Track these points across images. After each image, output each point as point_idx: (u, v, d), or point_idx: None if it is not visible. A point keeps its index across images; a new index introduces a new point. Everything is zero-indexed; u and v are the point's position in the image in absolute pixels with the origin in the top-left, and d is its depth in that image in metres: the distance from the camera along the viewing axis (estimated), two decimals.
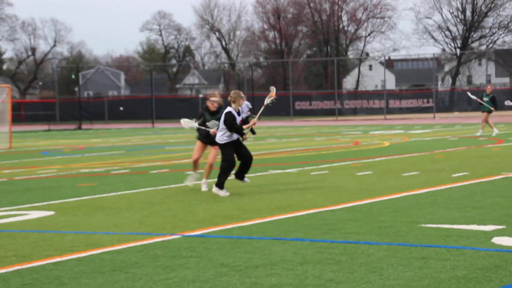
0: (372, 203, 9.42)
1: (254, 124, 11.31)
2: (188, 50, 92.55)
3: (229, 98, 10.91)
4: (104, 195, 11.11)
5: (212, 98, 11.67)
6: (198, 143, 11.97)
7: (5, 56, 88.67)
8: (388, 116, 51.05)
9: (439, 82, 75.81)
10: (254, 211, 9.05)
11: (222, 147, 10.91)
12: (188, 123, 11.68)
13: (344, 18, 79.64)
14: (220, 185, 10.81)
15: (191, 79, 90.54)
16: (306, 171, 13.78)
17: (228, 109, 10.86)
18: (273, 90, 11.67)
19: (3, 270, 6.22)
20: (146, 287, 5.57)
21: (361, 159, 15.72)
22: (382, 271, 5.76)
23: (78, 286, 5.65)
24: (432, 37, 76.27)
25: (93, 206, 9.94)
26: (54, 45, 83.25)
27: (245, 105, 27.82)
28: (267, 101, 11.69)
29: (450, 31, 75.52)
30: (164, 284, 5.62)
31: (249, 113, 28.09)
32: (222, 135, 10.96)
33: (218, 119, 11.32)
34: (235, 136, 10.99)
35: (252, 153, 13.72)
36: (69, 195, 11.15)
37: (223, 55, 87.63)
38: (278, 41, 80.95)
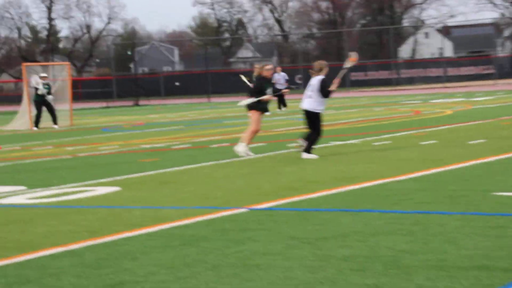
0: (440, 172, 9.25)
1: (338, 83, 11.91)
2: (240, 23, 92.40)
3: (315, 67, 11.71)
4: (167, 170, 11.20)
5: (267, 67, 12.46)
6: (256, 114, 12.20)
7: (61, 34, 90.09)
8: (447, 84, 50.13)
9: (499, 48, 73.95)
10: (319, 183, 8.99)
11: (317, 116, 11.69)
12: (248, 101, 12.21)
13: None
14: (309, 150, 11.53)
15: (245, 52, 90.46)
16: (368, 142, 13.64)
17: (321, 76, 11.67)
18: (354, 55, 12.01)
19: (77, 245, 6.32)
20: (217, 260, 5.58)
21: (423, 128, 15.48)
22: (458, 241, 5.64)
23: (150, 260, 5.70)
24: (491, 1, 74.41)
25: (157, 181, 10.02)
26: (109, 22, 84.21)
27: (282, 76, 27.71)
28: (346, 65, 12.14)
29: None
30: (235, 257, 5.62)
31: (287, 84, 28.00)
32: (318, 105, 11.68)
33: (272, 86, 12.37)
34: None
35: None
36: (133, 170, 11.27)
37: (276, 27, 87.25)
38: (331, 11, 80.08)
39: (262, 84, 12.50)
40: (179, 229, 6.75)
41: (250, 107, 12.56)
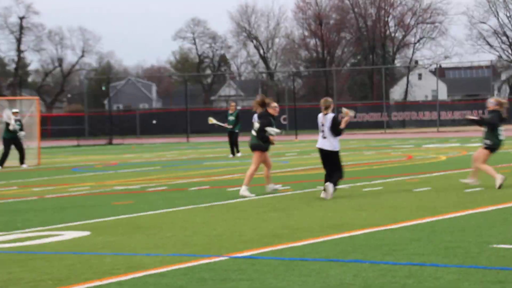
0: (435, 222, 9.23)
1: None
2: (223, 60, 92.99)
3: (323, 105, 12.38)
4: (142, 213, 11.10)
5: (274, 104, 13.33)
6: (261, 154, 13.01)
7: (30, 67, 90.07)
8: (440, 129, 50.51)
9: (495, 92, 74.85)
10: (305, 230, 8.93)
11: (338, 155, 12.39)
12: (274, 130, 13.10)
13: (391, 23, 79.37)
14: (336, 185, 12.20)
15: (227, 90, 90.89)
16: (358, 187, 13.63)
17: (332, 114, 12.36)
18: (346, 111, 12.61)
19: None
20: None
21: (417, 174, 15.51)
22: None
23: None
24: (488, 43, 75.54)
25: (131, 225, 9.92)
26: (82, 55, 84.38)
27: None
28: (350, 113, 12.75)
29: (507, 36, 74.71)
30: None
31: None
32: (337, 143, 12.38)
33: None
34: None
35: (298, 168, 13.71)
36: (105, 214, 11.16)
37: (261, 64, 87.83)
38: (319, 49, 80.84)
39: (270, 121, 13.15)
40: (154, 278, 6.65)
41: (255, 147, 13.09)
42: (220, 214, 10.76)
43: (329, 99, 12.58)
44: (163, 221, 10.22)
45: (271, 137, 13.15)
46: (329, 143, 12.29)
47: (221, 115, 26.40)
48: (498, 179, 12.58)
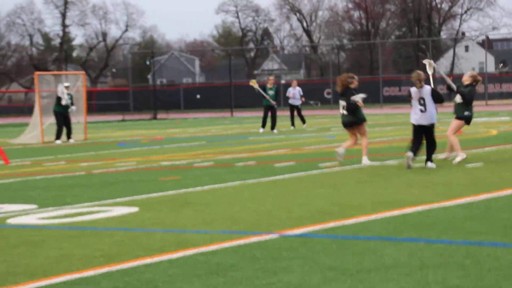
0: (490, 199, 9.01)
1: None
2: (266, 33, 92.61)
3: (417, 78, 12.46)
4: (190, 189, 11.06)
5: (355, 78, 13.68)
6: (362, 125, 13.60)
7: (75, 42, 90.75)
8: (489, 102, 49.66)
9: None
10: (356, 208, 8.79)
11: (433, 127, 12.58)
12: (356, 97, 13.45)
13: None
14: (431, 159, 12.63)
15: (270, 64, 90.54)
16: None
17: (429, 87, 12.61)
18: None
19: (92, 271, 6.17)
20: None
21: (468, 149, 15.19)
22: None
23: None
24: None
25: (179, 201, 9.88)
26: (126, 30, 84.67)
27: (297, 91, 27.34)
28: (430, 71, 13.42)
29: None
30: None
31: (303, 99, 27.65)
32: (435, 114, 12.61)
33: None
34: None
35: (344, 144, 13.59)
36: (153, 189, 11.15)
37: (304, 37, 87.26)
38: (363, 21, 79.95)
39: (352, 93, 13.40)
40: (204, 256, 6.59)
41: (352, 123, 13.47)
42: (267, 190, 10.67)
43: (421, 72, 12.65)
44: (211, 197, 10.17)
45: (359, 103, 13.37)
46: (429, 116, 12.44)
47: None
48: (459, 156, 12.92)
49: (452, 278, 5.49)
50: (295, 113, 27.28)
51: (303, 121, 27.27)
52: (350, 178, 11.65)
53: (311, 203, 9.25)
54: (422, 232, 7.20)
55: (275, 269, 6.00)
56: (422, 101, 12.44)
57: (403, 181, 11.08)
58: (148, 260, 6.50)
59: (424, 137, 12.55)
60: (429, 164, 12.49)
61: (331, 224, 7.81)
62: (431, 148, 12.57)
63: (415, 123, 12.56)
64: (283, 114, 30.62)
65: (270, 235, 7.38)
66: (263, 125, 25.23)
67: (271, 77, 26.94)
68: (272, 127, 24.93)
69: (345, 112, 13.44)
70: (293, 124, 27.11)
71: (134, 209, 9.33)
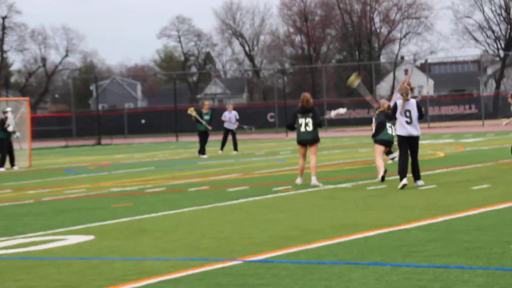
0: (449, 221, 9.08)
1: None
2: (209, 57, 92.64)
3: (405, 91, 12.84)
4: (144, 216, 10.89)
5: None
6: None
7: (13, 67, 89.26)
8: (431, 124, 50.50)
9: (481, 87, 75.10)
10: (317, 232, 8.75)
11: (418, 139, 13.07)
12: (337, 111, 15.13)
13: (377, 19, 79.31)
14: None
15: (213, 88, 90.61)
16: (361, 186, 13.46)
17: (414, 100, 12.99)
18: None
19: None
20: None
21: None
22: None
23: None
24: (473, 37, 75.65)
25: (135, 228, 9.70)
26: (66, 55, 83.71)
27: (233, 115, 27.24)
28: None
29: (492, 31, 74.85)
30: None
31: (237, 124, 27.58)
32: (419, 126, 12.90)
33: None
34: None
35: (296, 167, 13.60)
36: (106, 217, 10.94)
37: (247, 62, 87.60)
38: (305, 45, 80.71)
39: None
40: (169, 284, 6.46)
41: (314, 141, 13.87)
42: (224, 216, 10.56)
43: (407, 86, 13.13)
44: (167, 224, 10.01)
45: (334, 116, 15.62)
46: (415, 128, 12.79)
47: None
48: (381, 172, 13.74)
49: None
50: (229, 137, 27.05)
51: (235, 148, 26.89)
52: (306, 202, 11.63)
53: (271, 228, 9.18)
54: (386, 255, 7.18)
55: None
56: (408, 113, 12.76)
57: (360, 204, 11.10)
58: None
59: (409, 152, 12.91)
60: (419, 182, 12.90)
61: (294, 249, 7.75)
62: (416, 166, 12.91)
63: (405, 134, 12.82)
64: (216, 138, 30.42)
65: (234, 262, 7.28)
66: (202, 151, 25.15)
67: (206, 102, 26.93)
68: (203, 151, 25.00)
69: (309, 129, 13.69)
70: (222, 148, 26.95)
71: (90, 237, 9.12)
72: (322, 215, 10.10)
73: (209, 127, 25.07)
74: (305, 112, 13.72)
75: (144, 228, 9.67)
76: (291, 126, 13.93)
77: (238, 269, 6.94)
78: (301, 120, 13.71)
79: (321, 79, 62.09)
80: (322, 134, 44.01)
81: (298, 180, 13.98)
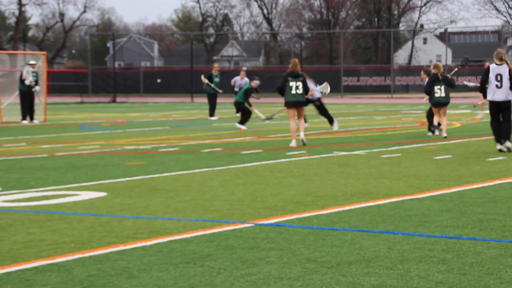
0: (463, 192, 8.99)
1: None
2: (226, 19, 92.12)
3: (500, 56, 13.06)
4: (157, 175, 10.87)
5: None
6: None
7: (31, 21, 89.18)
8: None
9: None
10: (329, 198, 8.70)
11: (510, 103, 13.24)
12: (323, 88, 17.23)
13: None
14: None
15: (230, 50, 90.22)
16: (375, 154, 13.37)
17: (506, 65, 13.11)
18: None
19: (64, 258, 5.98)
20: (228, 283, 5.27)
21: (434, 141, 15.25)
22: (500, 273, 5.36)
23: (150, 279, 5.37)
24: (495, 7, 74.80)
25: (148, 187, 9.69)
26: (84, 11, 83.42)
27: (245, 82, 26.57)
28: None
29: None
30: (247, 281, 5.31)
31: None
32: (509, 92, 13.07)
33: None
34: None
35: (309, 133, 13.53)
36: (119, 174, 10.93)
37: (264, 25, 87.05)
38: (324, 10, 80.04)
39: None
40: (179, 244, 6.44)
41: (304, 103, 14.85)
42: (237, 178, 10.53)
43: (502, 51, 13.27)
44: (180, 184, 9.99)
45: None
46: (505, 93, 12.90)
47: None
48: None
49: (434, 272, 5.42)
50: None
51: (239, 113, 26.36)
52: (319, 168, 11.56)
53: (283, 193, 9.13)
54: (398, 224, 7.13)
55: (253, 259, 5.87)
56: (499, 77, 12.84)
57: (374, 172, 11.03)
58: (121, 247, 6.32)
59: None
60: (508, 143, 12.98)
61: (306, 214, 7.71)
62: (508, 127, 12.97)
63: (491, 98, 12.96)
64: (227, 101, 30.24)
65: (245, 224, 7.25)
66: (213, 113, 24.93)
67: (216, 64, 26.63)
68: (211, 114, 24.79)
69: (299, 92, 14.54)
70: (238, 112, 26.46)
71: (102, 194, 9.12)
72: (335, 182, 10.04)
73: (219, 90, 24.88)
74: (295, 76, 14.54)
75: (156, 187, 9.66)
76: (281, 88, 14.61)
77: (249, 232, 6.91)
78: (292, 84, 14.48)
79: (338, 45, 61.62)
80: (338, 100, 43.80)
81: (293, 143, 14.54)
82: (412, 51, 76.49)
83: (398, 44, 79.95)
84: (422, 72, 18.21)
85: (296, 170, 11.29)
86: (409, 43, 78.53)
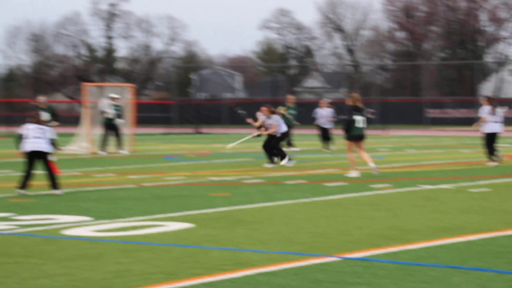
0: None
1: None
2: (308, 51, 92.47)
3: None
4: (241, 206, 10.94)
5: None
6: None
7: (119, 54, 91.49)
8: None
9: None
10: (415, 232, 8.57)
11: None
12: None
13: (483, 17, 77.21)
14: None
15: (312, 81, 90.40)
16: (463, 188, 13.10)
17: None
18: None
19: None
20: None
21: None
22: None
23: None
24: None
25: (232, 218, 9.76)
26: (169, 43, 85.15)
27: (328, 112, 25.82)
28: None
29: None
30: None
31: (333, 119, 26.16)
32: None
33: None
34: None
35: (395, 165, 13.34)
36: (204, 205, 11.04)
37: (347, 56, 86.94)
38: (407, 42, 79.41)
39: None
40: (265, 277, 6.45)
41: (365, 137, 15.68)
42: (321, 211, 10.49)
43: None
44: (264, 216, 10.02)
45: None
46: None
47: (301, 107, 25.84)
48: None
49: None
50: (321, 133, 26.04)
51: (326, 143, 25.77)
52: (404, 201, 11.41)
53: (369, 226, 9.05)
54: (489, 261, 6.95)
55: None
56: None
57: (461, 206, 10.80)
58: (208, 279, 6.37)
59: None
60: None
61: (393, 249, 7.61)
62: None
63: None
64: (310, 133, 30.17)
65: (331, 258, 7.21)
66: (291, 145, 25.10)
67: (291, 96, 26.51)
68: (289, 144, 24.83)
69: (363, 126, 15.41)
70: (325, 145, 25.81)
71: (188, 225, 9.22)
72: (421, 216, 9.88)
73: (296, 122, 24.86)
74: (359, 110, 15.37)
75: (241, 219, 9.71)
76: (350, 122, 15.35)
77: (335, 266, 6.87)
78: (358, 118, 15.30)
79: (422, 76, 60.94)
80: (421, 132, 43.09)
81: (355, 173, 15.23)
82: (498, 83, 74.93)
83: (484, 75, 78.52)
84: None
85: (381, 203, 11.17)
86: (495, 75, 76.96)
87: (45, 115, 20.56)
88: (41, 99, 20.95)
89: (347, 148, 15.62)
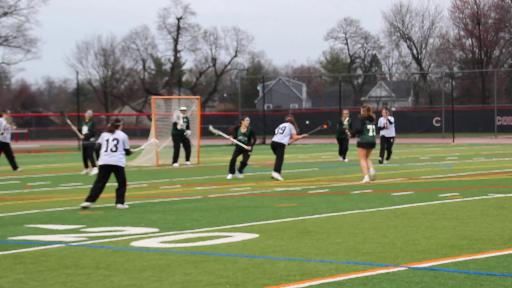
0: None
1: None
2: (375, 60, 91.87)
3: None
4: (307, 217, 10.94)
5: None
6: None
7: (185, 67, 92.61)
8: None
9: None
10: (485, 241, 8.43)
11: None
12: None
13: None
14: None
15: (378, 91, 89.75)
16: None
17: None
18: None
19: None
20: None
21: None
22: None
23: None
24: None
25: (298, 229, 9.76)
26: (235, 55, 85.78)
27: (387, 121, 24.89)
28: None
29: None
30: None
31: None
32: None
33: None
34: None
35: (463, 174, 13.14)
36: (270, 216, 11.08)
37: (413, 65, 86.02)
38: (476, 49, 78.11)
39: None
40: (332, 287, 6.44)
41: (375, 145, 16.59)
42: (388, 220, 10.40)
43: None
44: (330, 226, 9.99)
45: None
46: None
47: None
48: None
49: None
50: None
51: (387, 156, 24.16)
52: (473, 210, 11.23)
53: (436, 236, 8.94)
54: None
55: None
56: None
57: None
58: None
59: None
60: None
61: (461, 258, 7.50)
62: None
63: None
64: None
65: (398, 268, 7.15)
66: (343, 155, 25.07)
67: (345, 111, 26.23)
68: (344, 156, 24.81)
69: (374, 134, 16.31)
70: (383, 157, 23.73)
71: (254, 235, 9.27)
72: (491, 225, 9.71)
73: (349, 133, 24.63)
74: (371, 120, 16.28)
75: (307, 229, 9.71)
76: (360, 131, 16.24)
77: (402, 276, 6.81)
78: (369, 126, 16.22)
79: (491, 84, 59.88)
80: (492, 140, 42.46)
81: (367, 179, 16.09)
82: None
83: None
84: None
85: (449, 213, 11.02)
86: None
87: (84, 129, 20.83)
88: (88, 113, 21.31)
89: (359, 156, 16.40)
